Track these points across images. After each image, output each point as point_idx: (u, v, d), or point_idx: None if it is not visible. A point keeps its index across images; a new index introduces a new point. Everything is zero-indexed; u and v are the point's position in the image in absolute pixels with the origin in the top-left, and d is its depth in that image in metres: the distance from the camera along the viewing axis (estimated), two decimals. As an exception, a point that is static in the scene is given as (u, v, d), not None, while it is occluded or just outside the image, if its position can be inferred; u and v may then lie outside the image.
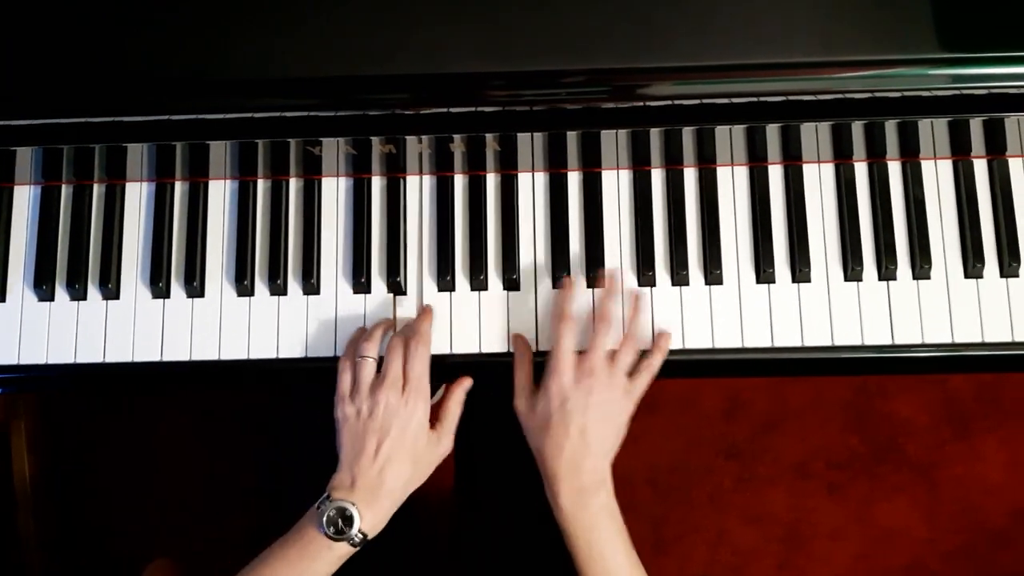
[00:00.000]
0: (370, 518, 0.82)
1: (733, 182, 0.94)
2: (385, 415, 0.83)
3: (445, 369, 0.91)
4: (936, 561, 1.58)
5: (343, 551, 0.81)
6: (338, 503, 0.81)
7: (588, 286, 0.92)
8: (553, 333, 0.87)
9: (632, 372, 0.88)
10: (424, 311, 0.91)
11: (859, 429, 1.61)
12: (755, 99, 0.86)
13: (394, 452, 0.83)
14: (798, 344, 0.91)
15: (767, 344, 0.91)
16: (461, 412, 0.89)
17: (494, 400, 0.93)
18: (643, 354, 0.89)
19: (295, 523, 0.84)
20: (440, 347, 0.91)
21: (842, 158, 0.93)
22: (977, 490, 1.59)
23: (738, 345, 0.91)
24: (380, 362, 0.87)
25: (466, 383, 0.90)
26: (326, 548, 0.80)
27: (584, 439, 0.84)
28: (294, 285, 0.93)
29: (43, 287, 0.93)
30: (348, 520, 0.80)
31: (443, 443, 0.88)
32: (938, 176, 0.93)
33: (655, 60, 0.82)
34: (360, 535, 0.81)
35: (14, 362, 0.92)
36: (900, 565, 1.59)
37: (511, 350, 0.91)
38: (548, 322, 0.92)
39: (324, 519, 0.80)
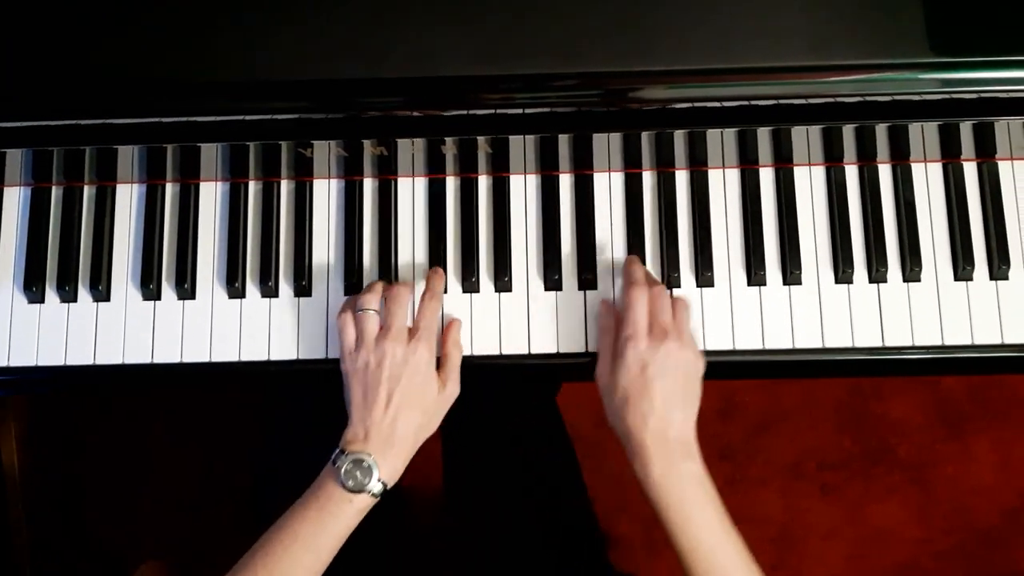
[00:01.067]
0: (387, 468, 0.81)
1: (724, 185, 0.94)
2: (393, 365, 0.83)
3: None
4: (928, 561, 1.59)
5: (363, 503, 0.80)
6: (354, 455, 0.80)
7: (579, 288, 0.92)
8: (625, 299, 0.85)
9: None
10: (434, 271, 0.91)
11: (852, 430, 1.61)
12: (746, 103, 0.86)
13: (405, 400, 0.83)
14: (789, 346, 0.91)
15: (758, 346, 0.91)
16: (461, 353, 0.89)
17: (484, 400, 0.93)
18: None
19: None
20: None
21: (833, 161, 0.93)
22: (969, 490, 1.60)
23: (729, 347, 0.91)
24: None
25: (456, 323, 0.90)
26: (347, 502, 0.80)
27: (667, 406, 0.82)
28: (285, 287, 0.93)
29: (33, 289, 0.92)
30: (366, 471, 0.80)
31: (448, 388, 0.87)
32: (928, 179, 0.94)
33: (646, 64, 0.82)
34: (380, 484, 0.80)
35: (4, 364, 0.92)
36: (892, 565, 1.59)
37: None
38: (541, 325, 0.92)
39: (342, 472, 0.79)
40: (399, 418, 0.83)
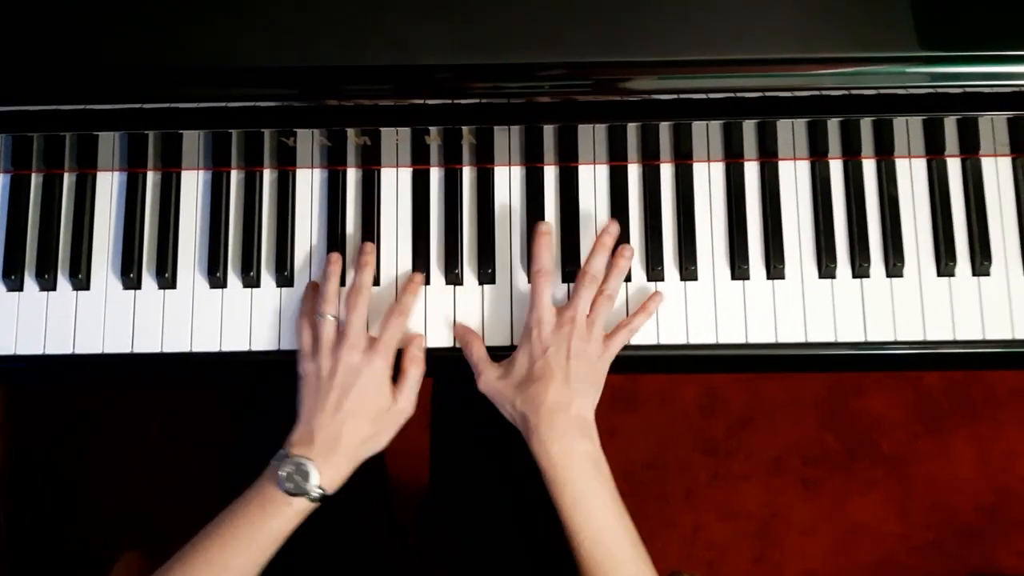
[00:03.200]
0: (329, 473, 0.82)
1: (709, 178, 0.94)
2: (347, 373, 0.83)
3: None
4: (906, 556, 1.60)
5: (301, 507, 0.81)
6: (296, 459, 0.81)
7: (564, 281, 0.92)
8: (532, 285, 0.87)
9: (610, 332, 0.88)
10: (411, 280, 0.91)
11: (833, 426, 1.62)
12: (732, 95, 0.86)
13: (353, 410, 0.83)
14: (772, 341, 0.91)
15: (741, 340, 0.91)
16: (421, 370, 0.89)
17: (471, 396, 0.92)
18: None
19: None
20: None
21: (818, 155, 0.94)
22: (947, 486, 1.61)
23: (713, 341, 0.91)
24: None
25: (418, 339, 0.90)
26: (285, 504, 0.80)
27: (568, 384, 0.84)
28: (267, 277, 0.93)
29: (12, 277, 0.91)
30: (305, 475, 0.80)
31: (400, 404, 0.87)
32: (912, 175, 0.94)
33: (632, 54, 0.82)
34: (319, 490, 0.81)
35: (-18, 353, 0.91)
36: (871, 560, 1.60)
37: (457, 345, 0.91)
38: (523, 317, 0.91)
39: (283, 475, 0.80)
40: (345, 426, 0.83)
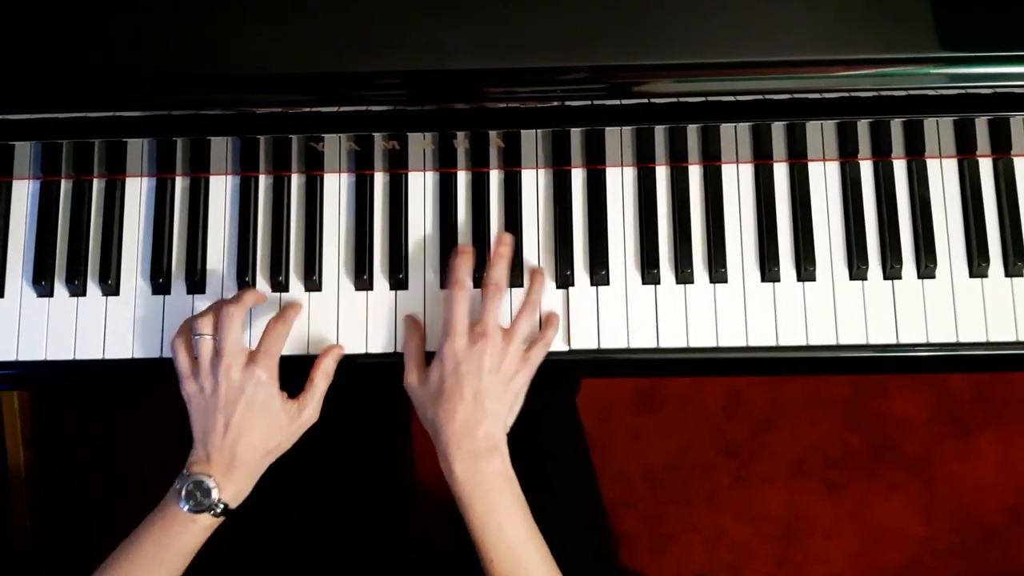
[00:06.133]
0: (230, 488, 0.82)
1: (738, 180, 0.93)
2: (229, 390, 0.83)
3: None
4: (930, 559, 1.59)
5: (206, 523, 0.81)
6: (195, 477, 0.81)
7: (591, 284, 0.92)
8: (445, 298, 0.86)
9: (528, 347, 0.87)
10: (292, 305, 0.91)
11: (857, 427, 1.61)
12: (761, 97, 0.86)
13: (243, 424, 0.83)
14: (803, 343, 0.90)
15: (772, 343, 0.90)
16: (329, 382, 0.88)
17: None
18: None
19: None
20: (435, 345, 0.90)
21: (848, 156, 0.93)
22: (972, 488, 1.60)
23: (743, 344, 0.90)
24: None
25: (335, 352, 0.89)
26: (189, 521, 0.81)
27: (478, 403, 0.83)
28: (295, 282, 0.93)
29: (42, 283, 0.92)
30: (207, 492, 0.81)
31: (305, 413, 0.86)
32: (943, 175, 0.93)
33: (659, 58, 0.81)
34: (221, 505, 0.81)
35: (12, 358, 0.91)
36: (895, 563, 1.59)
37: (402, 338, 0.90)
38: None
39: (183, 494, 0.81)
40: (239, 443, 0.82)
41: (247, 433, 0.83)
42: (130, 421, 1.56)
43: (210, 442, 0.83)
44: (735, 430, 1.61)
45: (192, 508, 0.80)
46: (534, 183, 0.94)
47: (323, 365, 0.88)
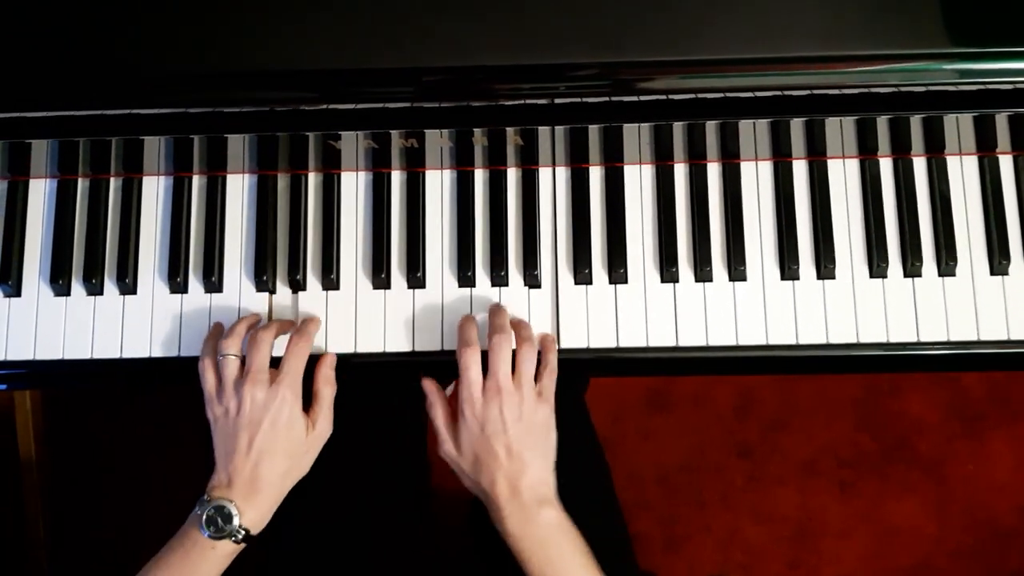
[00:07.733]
0: (251, 514, 0.81)
1: (757, 178, 0.93)
2: (253, 410, 0.82)
3: (442, 367, 0.90)
4: (944, 560, 1.58)
5: (227, 549, 0.81)
6: (216, 502, 0.80)
7: (610, 283, 0.91)
8: (458, 362, 0.85)
9: (537, 381, 0.86)
10: (311, 319, 0.90)
11: (869, 427, 1.61)
12: (780, 93, 0.85)
13: (267, 446, 0.82)
14: (823, 341, 0.90)
15: (792, 342, 0.90)
16: (334, 389, 0.88)
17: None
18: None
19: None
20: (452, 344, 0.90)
21: (867, 153, 0.93)
22: (985, 488, 1.59)
23: (763, 342, 0.90)
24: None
25: (328, 359, 0.89)
26: (210, 548, 0.80)
27: (513, 457, 0.83)
28: (313, 281, 0.92)
29: (59, 282, 0.91)
30: (228, 518, 0.80)
31: (319, 427, 0.86)
32: (963, 172, 0.93)
33: (680, 53, 0.81)
34: (242, 531, 0.80)
35: (30, 357, 0.91)
36: (908, 563, 1.59)
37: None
38: (570, 321, 0.91)
39: (204, 520, 0.80)
40: (262, 464, 0.82)
41: (270, 454, 0.82)
42: (143, 419, 1.56)
43: (232, 465, 0.82)
44: (747, 431, 1.61)
45: (213, 534, 0.79)
46: (551, 181, 0.94)
47: (322, 374, 0.88)
